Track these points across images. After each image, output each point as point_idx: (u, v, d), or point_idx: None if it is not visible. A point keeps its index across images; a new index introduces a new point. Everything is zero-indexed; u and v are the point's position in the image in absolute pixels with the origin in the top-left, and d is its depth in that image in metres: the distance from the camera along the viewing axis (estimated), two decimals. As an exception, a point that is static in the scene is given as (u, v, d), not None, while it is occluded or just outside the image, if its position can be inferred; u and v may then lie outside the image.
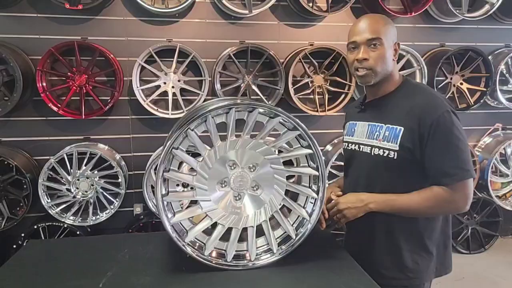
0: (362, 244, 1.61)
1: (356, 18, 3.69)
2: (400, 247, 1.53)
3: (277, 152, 1.47)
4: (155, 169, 2.08)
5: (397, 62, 1.90)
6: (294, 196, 1.55)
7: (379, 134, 1.53)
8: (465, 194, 1.42)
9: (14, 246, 2.97)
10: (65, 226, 3.05)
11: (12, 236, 3.05)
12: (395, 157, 1.47)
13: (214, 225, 1.47)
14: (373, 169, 1.55)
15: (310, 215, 1.52)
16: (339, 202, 1.54)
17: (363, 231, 1.58)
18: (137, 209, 3.35)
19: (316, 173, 1.50)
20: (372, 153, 1.54)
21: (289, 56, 3.36)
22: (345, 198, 1.56)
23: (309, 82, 3.33)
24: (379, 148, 1.52)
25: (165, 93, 3.18)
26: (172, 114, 3.15)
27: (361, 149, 1.60)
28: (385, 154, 1.50)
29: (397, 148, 1.46)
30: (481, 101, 3.52)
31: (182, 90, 3.21)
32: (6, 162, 2.92)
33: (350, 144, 1.68)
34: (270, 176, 1.47)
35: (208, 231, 1.48)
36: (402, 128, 1.46)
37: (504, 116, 3.85)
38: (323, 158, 1.54)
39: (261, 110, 1.42)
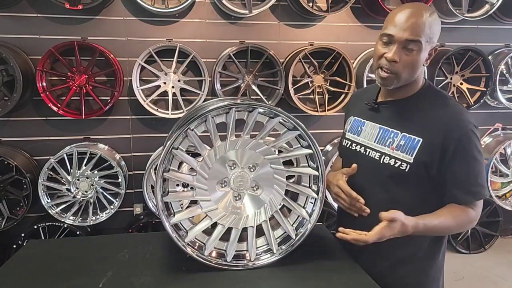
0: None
1: (356, 18, 3.77)
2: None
3: (277, 152, 1.47)
4: (155, 169, 2.07)
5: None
6: (294, 196, 1.55)
7: (392, 142, 1.41)
8: (480, 212, 1.38)
9: (14, 246, 2.98)
10: (65, 226, 3.05)
11: (12, 236, 3.05)
12: (406, 170, 1.37)
13: (214, 225, 1.47)
14: (379, 178, 1.44)
15: (310, 215, 1.52)
16: (381, 236, 1.26)
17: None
18: (137, 209, 3.35)
19: (316, 173, 1.50)
20: (381, 161, 1.43)
21: (289, 56, 3.36)
22: (392, 229, 1.26)
23: (309, 82, 3.33)
24: (391, 157, 1.41)
25: (165, 93, 3.18)
26: (172, 114, 3.15)
27: (367, 153, 1.49)
28: (396, 165, 1.39)
29: (411, 161, 1.36)
30: (481, 101, 3.52)
31: (182, 90, 3.21)
32: (6, 162, 2.92)
33: (353, 144, 1.55)
34: (270, 176, 1.47)
35: (208, 231, 1.48)
36: (421, 140, 1.35)
37: (504, 116, 3.85)
38: (323, 158, 1.54)
39: (261, 110, 1.42)
